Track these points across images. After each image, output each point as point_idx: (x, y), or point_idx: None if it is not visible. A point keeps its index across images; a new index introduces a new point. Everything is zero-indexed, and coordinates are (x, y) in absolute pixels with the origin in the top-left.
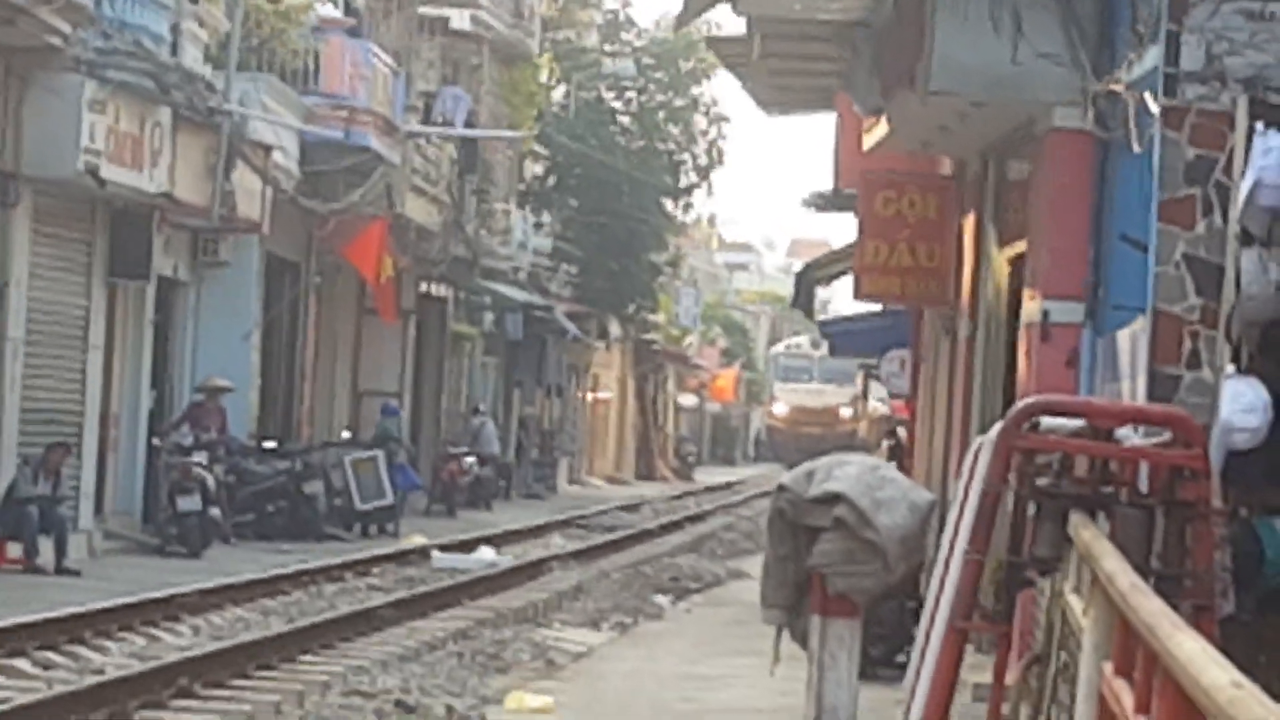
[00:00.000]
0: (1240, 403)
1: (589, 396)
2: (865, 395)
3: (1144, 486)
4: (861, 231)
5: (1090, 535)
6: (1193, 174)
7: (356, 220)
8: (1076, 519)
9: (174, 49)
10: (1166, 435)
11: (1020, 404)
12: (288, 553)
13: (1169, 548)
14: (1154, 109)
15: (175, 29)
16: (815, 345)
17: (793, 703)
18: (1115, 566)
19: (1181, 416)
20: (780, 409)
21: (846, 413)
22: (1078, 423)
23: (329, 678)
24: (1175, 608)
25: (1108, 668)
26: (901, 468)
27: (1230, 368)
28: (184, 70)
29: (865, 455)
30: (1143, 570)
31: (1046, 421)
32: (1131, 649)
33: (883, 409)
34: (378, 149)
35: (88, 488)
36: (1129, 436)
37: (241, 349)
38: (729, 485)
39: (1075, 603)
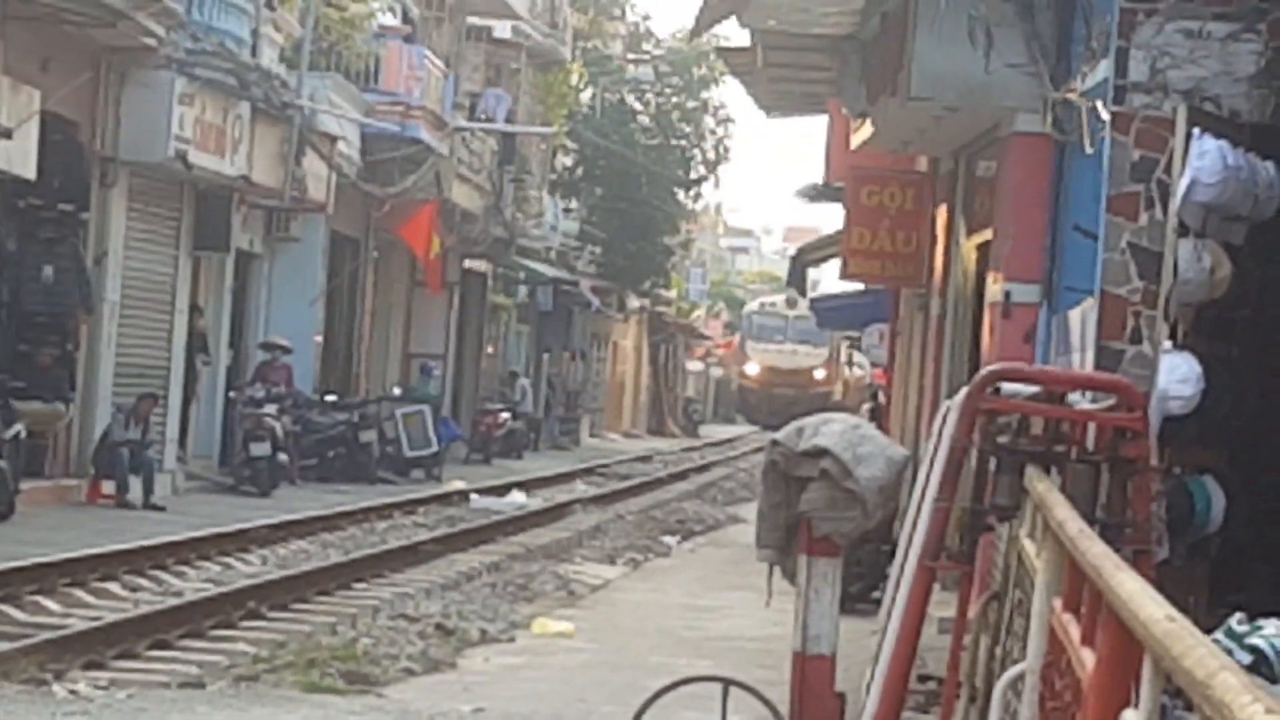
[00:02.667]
0: (1176, 374)
1: (610, 361)
2: (839, 356)
3: (1091, 445)
4: (848, 220)
5: (1044, 487)
6: (1137, 173)
7: (409, 203)
8: (1032, 472)
9: (253, 50)
10: (1112, 400)
11: (984, 371)
12: (345, 493)
13: (1112, 499)
14: (1104, 115)
15: (255, 33)
16: (790, 304)
17: (782, 631)
18: (1065, 515)
19: (1125, 384)
20: (753, 368)
21: (820, 374)
22: (1034, 389)
23: (379, 603)
24: (1118, 551)
25: (1058, 603)
26: (880, 427)
27: (1167, 343)
28: (262, 69)
29: (848, 415)
30: (1089, 518)
31: (1007, 387)
32: (1079, 587)
33: (864, 376)
34: (429, 141)
35: (172, 434)
36: (1079, 401)
37: (308, 314)
38: (729, 441)
39: (1030, 546)
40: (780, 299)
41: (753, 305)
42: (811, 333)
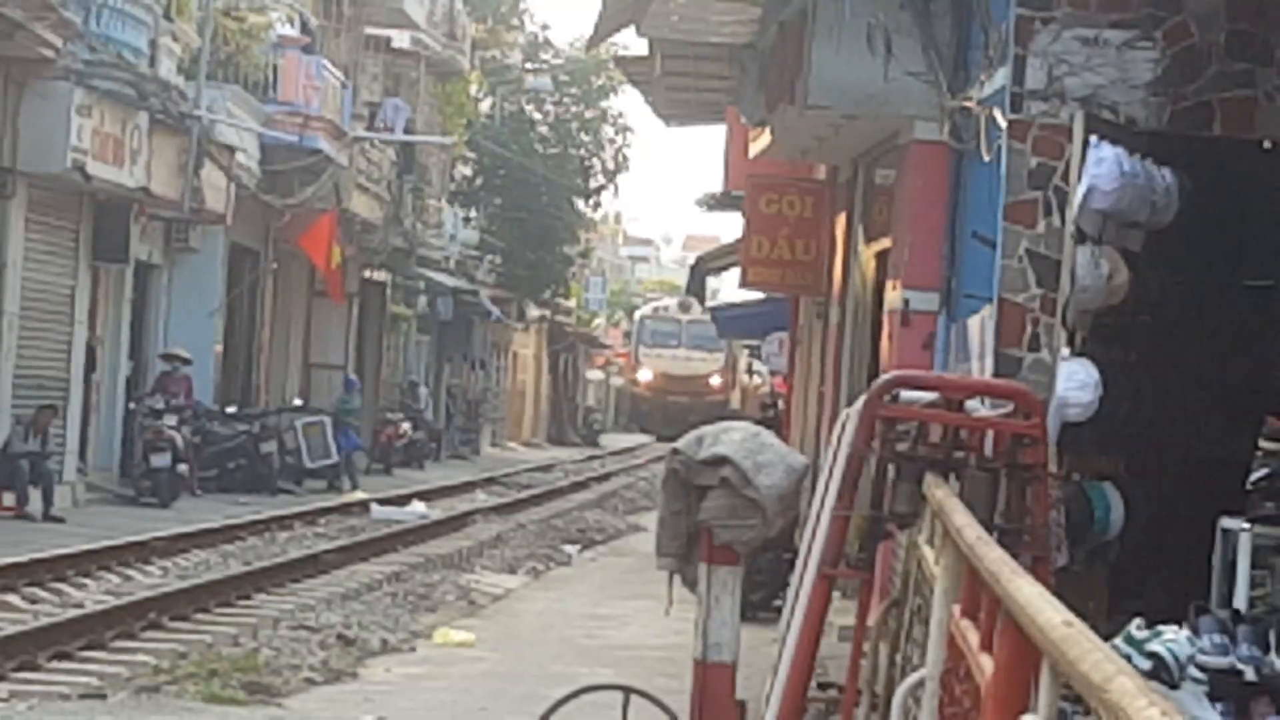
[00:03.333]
0: (1074, 381)
1: (510, 370)
2: (736, 363)
3: (990, 452)
4: (747, 228)
5: (943, 494)
6: (1035, 180)
7: (309, 214)
8: (931, 479)
9: (151, 61)
10: (1010, 407)
11: (883, 378)
12: (245, 504)
13: (1011, 506)
14: (1002, 123)
15: (153, 44)
16: (684, 308)
17: (683, 640)
18: (964, 521)
19: (1023, 391)
20: (645, 375)
21: (716, 381)
22: (933, 395)
23: (280, 614)
24: (1016, 558)
25: (957, 610)
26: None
27: (1065, 350)
28: (160, 80)
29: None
30: (988, 525)
31: (906, 394)
32: (977, 593)
33: (763, 384)
34: (328, 151)
35: (72, 445)
36: (977, 408)
37: (207, 325)
38: (629, 450)
39: (928, 553)
40: (673, 303)
41: (645, 309)
42: (707, 338)
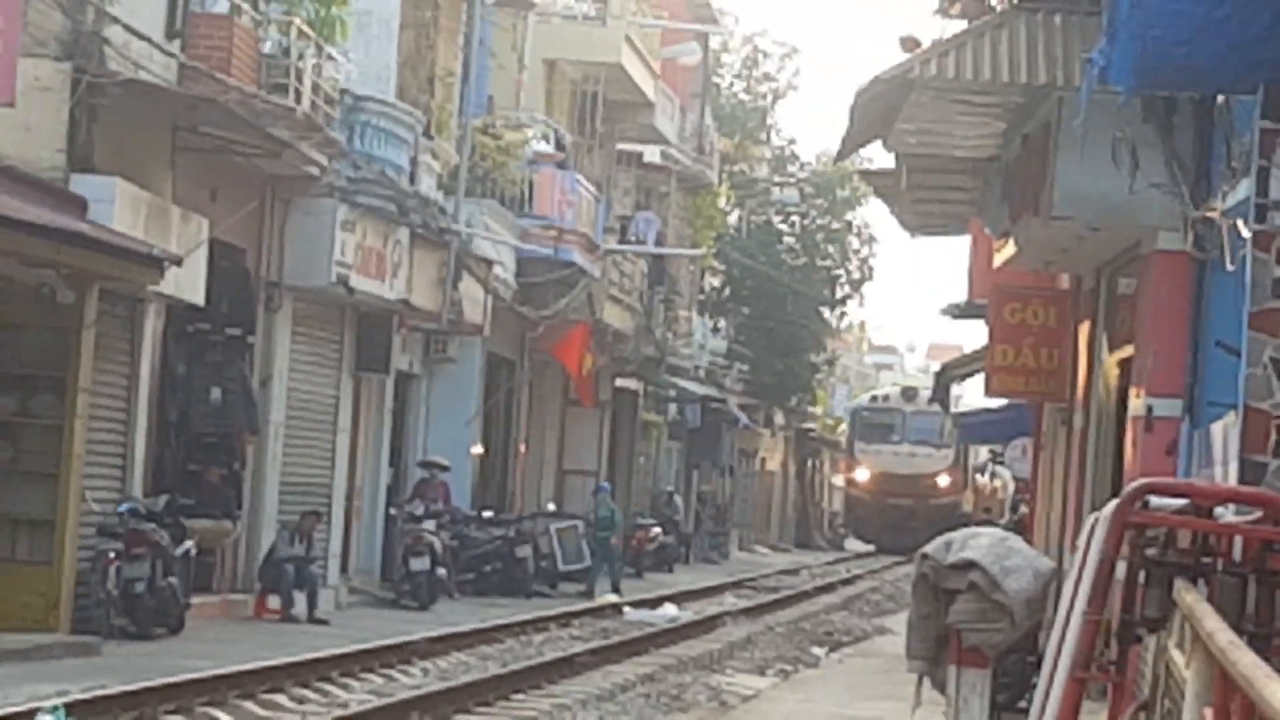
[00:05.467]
0: None
1: (758, 476)
2: (966, 459)
3: (1238, 557)
4: (992, 337)
5: (1192, 599)
6: (1279, 290)
7: (563, 324)
8: (1180, 585)
9: (412, 178)
10: (1258, 514)
11: (1133, 485)
12: (502, 607)
13: (1260, 610)
14: (1245, 233)
15: (413, 161)
16: (907, 397)
17: None
18: (1215, 625)
19: (1271, 497)
20: (862, 475)
21: (944, 481)
22: (1181, 502)
23: (538, 713)
24: (1267, 661)
25: (1208, 714)
26: (1024, 539)
27: None
28: (420, 196)
29: (995, 529)
30: (1238, 629)
31: (1155, 501)
32: (1229, 697)
33: (1003, 487)
34: (581, 264)
35: (335, 549)
36: (1225, 514)
37: (464, 432)
38: (874, 554)
39: (1178, 656)
40: (895, 391)
41: (862, 399)
42: (932, 431)
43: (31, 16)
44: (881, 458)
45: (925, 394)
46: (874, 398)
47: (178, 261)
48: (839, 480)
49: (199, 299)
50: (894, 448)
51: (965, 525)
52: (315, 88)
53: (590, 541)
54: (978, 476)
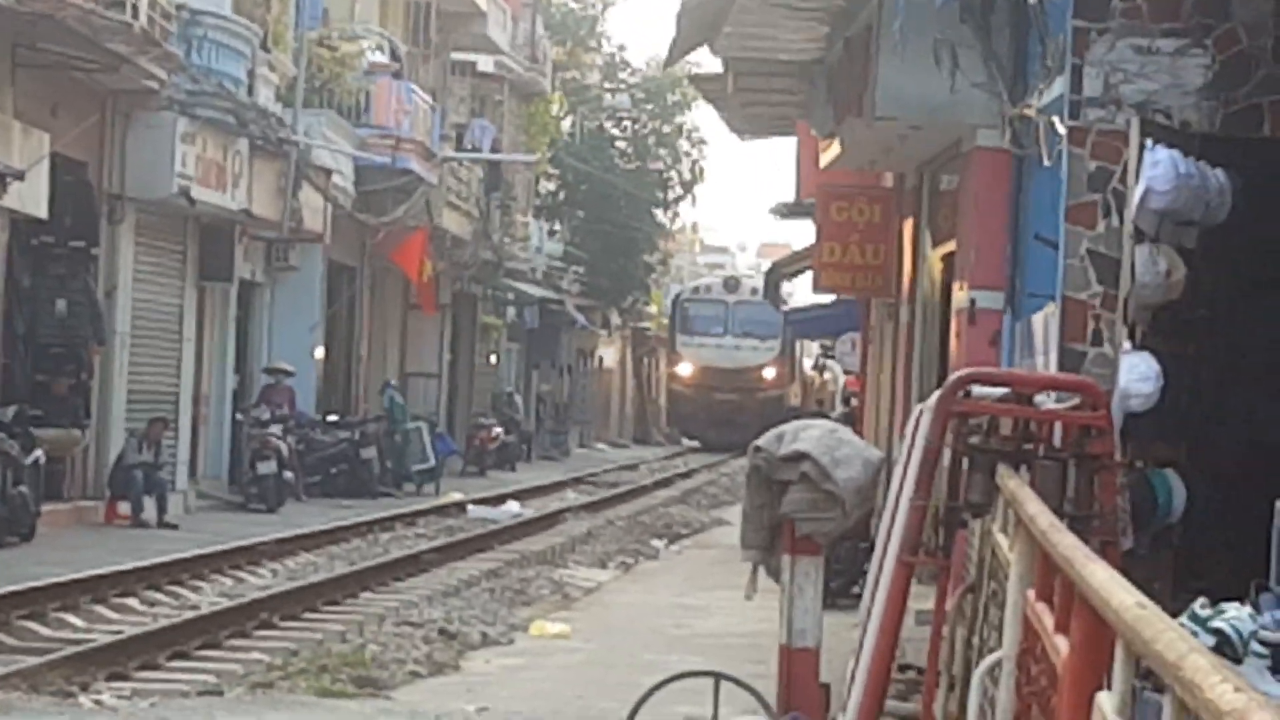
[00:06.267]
0: (1135, 373)
1: (596, 374)
2: (795, 352)
3: (1058, 443)
4: (819, 235)
5: (1015, 484)
6: (1094, 183)
7: (402, 231)
8: (1003, 470)
9: (250, 90)
10: (1076, 400)
11: (955, 375)
12: (348, 508)
13: (1079, 494)
14: (1061, 129)
15: (251, 74)
16: (730, 287)
17: (767, 628)
18: (1036, 509)
19: (1089, 384)
20: (685, 369)
21: (770, 374)
22: (1003, 390)
23: (385, 611)
24: (1086, 543)
25: (1031, 594)
26: (854, 430)
27: (1127, 344)
28: (259, 108)
29: (825, 421)
30: (1058, 512)
31: (977, 390)
32: (1051, 578)
33: (833, 380)
34: (419, 171)
35: (183, 455)
36: (1045, 401)
37: (308, 339)
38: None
39: (1002, 540)
40: (716, 281)
41: (684, 289)
42: (759, 322)
43: None
44: (705, 350)
45: (749, 283)
46: (695, 289)
47: (19, 176)
48: None
49: (42, 212)
50: (718, 340)
51: (793, 419)
52: (152, 3)
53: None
54: (808, 370)
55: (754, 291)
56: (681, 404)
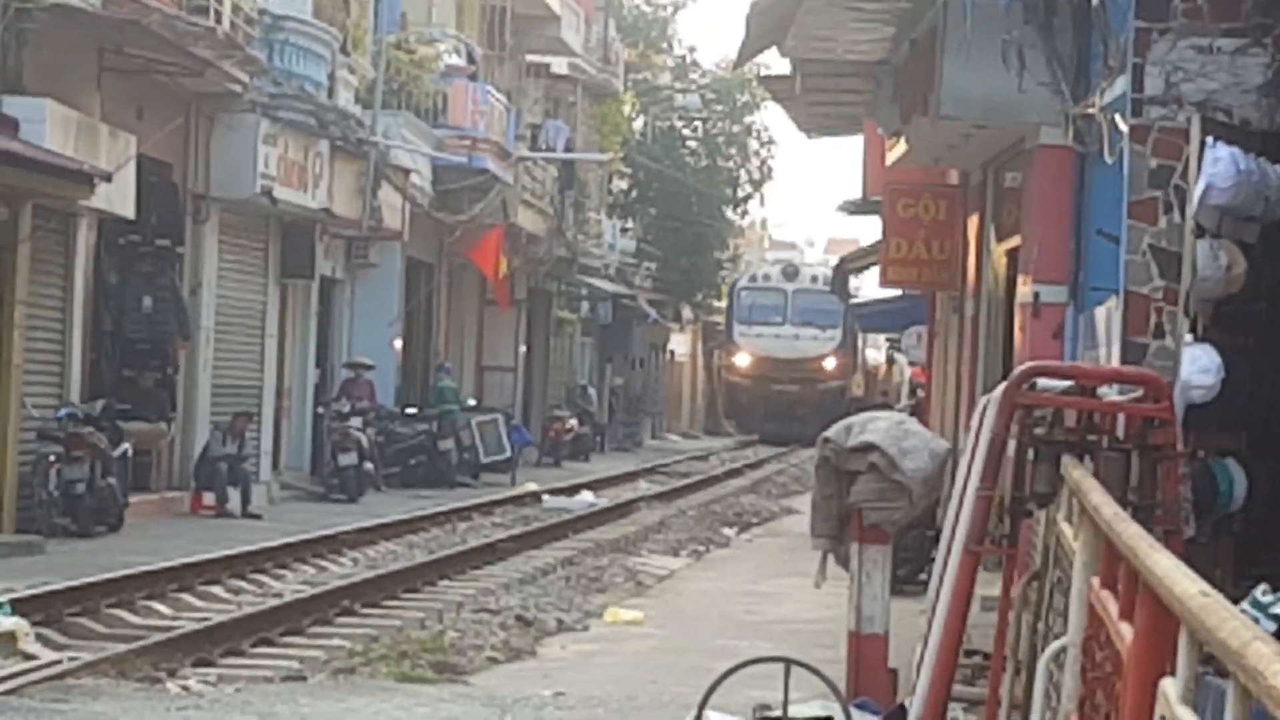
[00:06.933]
0: (1197, 365)
1: (668, 368)
2: (858, 342)
3: (1121, 434)
4: (886, 231)
5: (1079, 474)
6: (1155, 180)
7: (478, 229)
8: (1067, 461)
9: (330, 93)
10: (1139, 392)
11: (1020, 368)
12: (427, 498)
13: (1143, 483)
14: (1123, 127)
15: (331, 76)
16: (788, 275)
17: (835, 614)
18: (1100, 499)
19: (1151, 376)
20: (743, 360)
21: (831, 364)
22: (1067, 383)
23: (463, 598)
24: (1149, 532)
25: (1096, 581)
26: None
27: (1188, 337)
28: (339, 110)
29: (893, 413)
30: (1122, 502)
31: (1042, 382)
32: (1115, 566)
33: (905, 372)
34: (495, 171)
35: (266, 447)
36: (1109, 393)
37: (387, 334)
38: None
39: (1067, 529)
40: (776, 269)
41: (741, 279)
42: (818, 311)
43: None
44: (763, 340)
45: (808, 271)
46: (753, 277)
47: (107, 177)
48: None
49: (129, 212)
50: (776, 329)
51: (856, 411)
52: (235, 8)
53: (511, 433)
54: (875, 362)
55: (814, 279)
56: (738, 396)
